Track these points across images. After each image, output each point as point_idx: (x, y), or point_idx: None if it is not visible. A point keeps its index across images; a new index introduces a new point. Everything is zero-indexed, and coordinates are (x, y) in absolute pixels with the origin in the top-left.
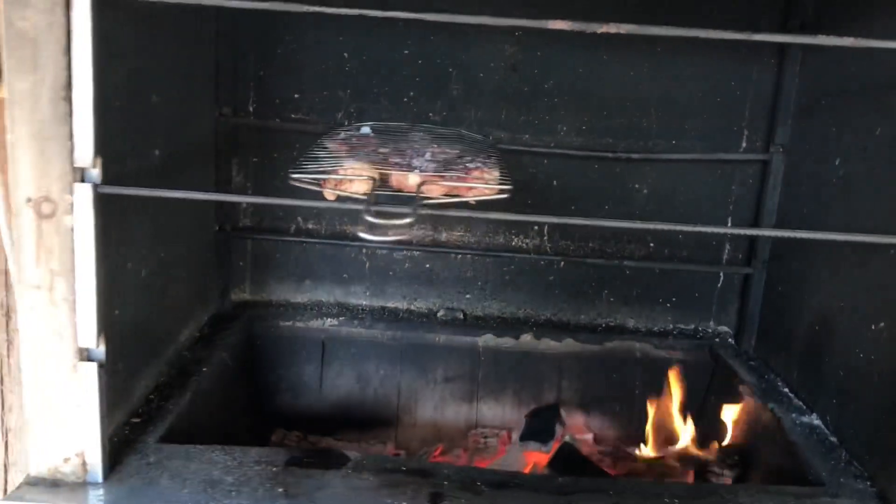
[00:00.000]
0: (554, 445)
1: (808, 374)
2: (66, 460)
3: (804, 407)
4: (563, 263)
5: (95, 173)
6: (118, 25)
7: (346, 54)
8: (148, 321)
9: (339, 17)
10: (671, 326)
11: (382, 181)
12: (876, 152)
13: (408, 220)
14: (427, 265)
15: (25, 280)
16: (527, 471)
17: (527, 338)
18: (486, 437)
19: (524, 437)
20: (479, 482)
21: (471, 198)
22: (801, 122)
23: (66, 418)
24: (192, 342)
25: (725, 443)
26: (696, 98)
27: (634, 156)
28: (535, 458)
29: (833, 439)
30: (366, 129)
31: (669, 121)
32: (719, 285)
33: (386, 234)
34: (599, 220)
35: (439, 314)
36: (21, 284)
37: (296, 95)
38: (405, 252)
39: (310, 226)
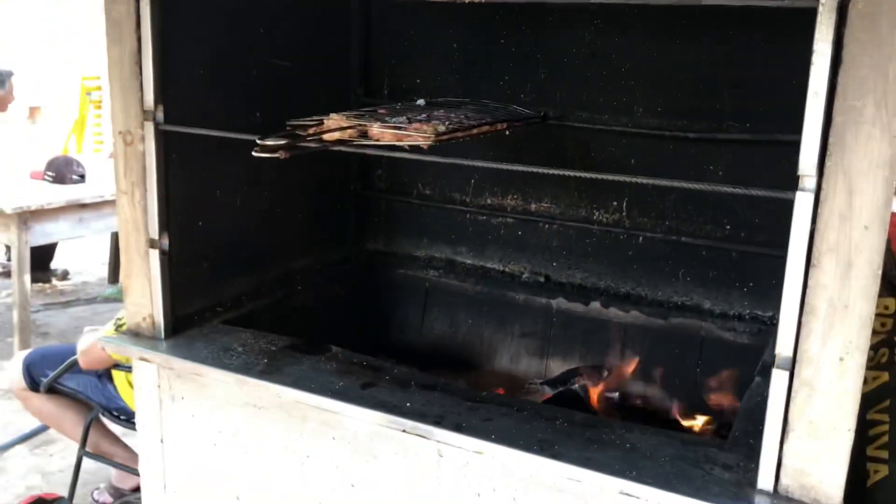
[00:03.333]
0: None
1: None
2: (143, 319)
3: None
4: (641, 239)
5: (159, 115)
6: (196, 15)
7: (455, 45)
8: (244, 241)
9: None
10: (747, 312)
11: (361, 133)
12: None
13: (277, 154)
14: (519, 232)
15: (118, 187)
16: None
17: (595, 304)
18: (535, 386)
19: (542, 382)
20: (413, 382)
21: (405, 143)
22: None
23: (143, 289)
24: (311, 271)
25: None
26: (768, 80)
27: (702, 136)
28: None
29: None
30: (420, 101)
31: (742, 103)
32: None
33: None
34: (623, 176)
35: (524, 276)
36: (117, 190)
37: (417, 80)
38: (500, 219)
39: (427, 191)
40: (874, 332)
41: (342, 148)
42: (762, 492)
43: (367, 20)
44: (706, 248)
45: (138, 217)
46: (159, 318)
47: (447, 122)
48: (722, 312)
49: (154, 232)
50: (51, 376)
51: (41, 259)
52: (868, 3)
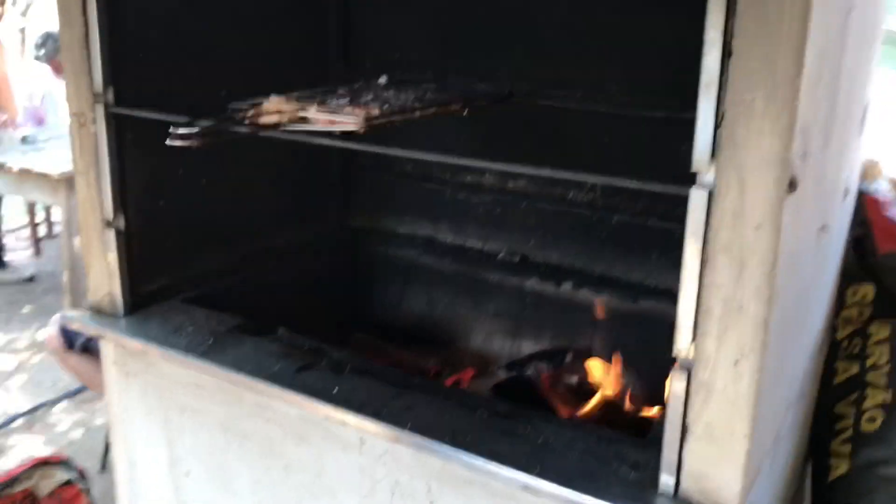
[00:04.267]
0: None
1: None
2: (103, 296)
3: None
4: (615, 220)
5: (109, 98)
6: None
7: (434, 17)
8: (212, 219)
9: None
10: None
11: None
12: None
13: (189, 142)
14: (497, 210)
15: (76, 167)
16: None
17: (567, 286)
18: (498, 368)
19: (507, 365)
20: (349, 365)
21: (335, 128)
22: None
23: (101, 268)
24: (289, 249)
25: None
26: None
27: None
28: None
29: None
30: (382, 79)
31: None
32: None
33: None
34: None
35: (499, 255)
36: (75, 170)
37: (397, 55)
38: (479, 197)
39: (408, 168)
40: (849, 321)
41: (269, 134)
42: (662, 494)
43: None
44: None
45: (94, 197)
46: (117, 297)
47: (386, 105)
48: None
49: (108, 213)
50: (84, 338)
51: None
52: None
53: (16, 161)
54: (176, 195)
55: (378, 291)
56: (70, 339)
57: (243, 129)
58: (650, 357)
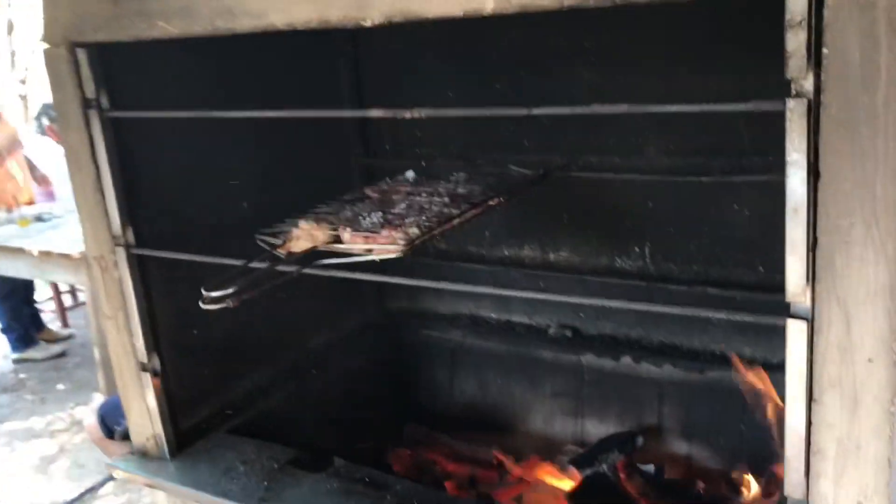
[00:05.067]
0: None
1: None
2: (147, 439)
3: None
4: (669, 289)
5: (129, 238)
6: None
7: (450, 94)
8: (247, 338)
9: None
10: None
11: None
12: None
13: (225, 304)
14: (541, 283)
15: (103, 312)
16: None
17: (626, 360)
18: (565, 456)
19: (570, 461)
20: (416, 500)
21: (376, 257)
22: None
23: (141, 410)
24: (329, 347)
25: None
26: None
27: (717, 180)
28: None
29: None
30: (410, 174)
31: (763, 135)
32: None
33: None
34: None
35: (550, 331)
36: (102, 316)
37: (418, 133)
38: (520, 271)
39: (443, 246)
40: None
41: (311, 272)
42: None
43: (358, 77)
44: (740, 296)
45: (126, 341)
46: (162, 440)
47: (423, 218)
48: (765, 362)
49: (142, 355)
50: (124, 426)
51: None
52: (841, 108)
53: (35, 244)
54: (208, 322)
55: (425, 378)
56: (109, 429)
57: (283, 270)
58: (723, 430)
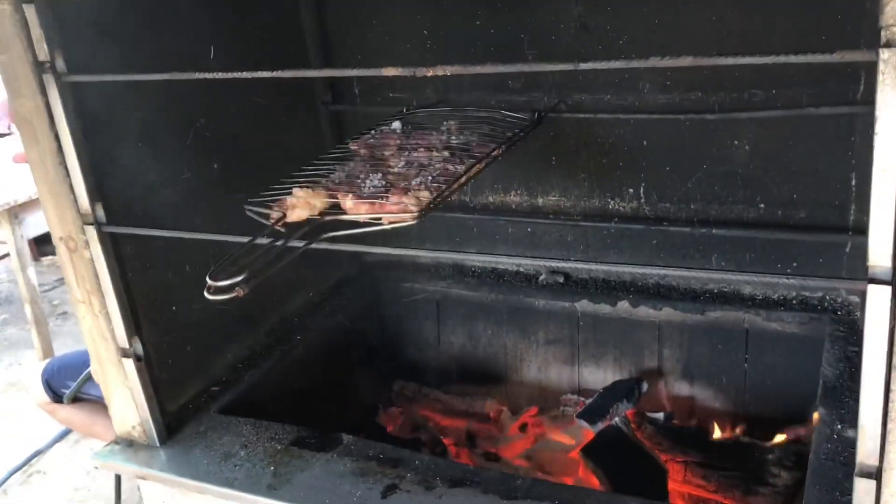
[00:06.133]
0: (605, 425)
1: None
2: (133, 427)
3: None
4: (665, 229)
5: (100, 215)
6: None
7: (425, 31)
8: (223, 310)
9: None
10: (793, 294)
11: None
12: None
13: (234, 293)
14: (529, 229)
15: (73, 296)
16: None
17: (624, 304)
18: (566, 407)
19: (579, 415)
20: (439, 478)
21: (388, 226)
22: None
23: (125, 398)
24: (309, 309)
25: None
26: (793, 36)
27: (721, 117)
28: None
29: None
30: (396, 125)
31: (765, 66)
32: (847, 249)
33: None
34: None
35: (540, 278)
36: (73, 299)
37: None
38: (507, 217)
39: None
40: None
41: (321, 245)
42: None
43: (323, 20)
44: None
45: (103, 326)
46: (150, 426)
47: (430, 178)
48: (765, 298)
49: (123, 340)
50: (72, 388)
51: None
52: None
53: None
54: (189, 295)
55: (411, 332)
56: (56, 393)
57: (295, 247)
58: (726, 370)
